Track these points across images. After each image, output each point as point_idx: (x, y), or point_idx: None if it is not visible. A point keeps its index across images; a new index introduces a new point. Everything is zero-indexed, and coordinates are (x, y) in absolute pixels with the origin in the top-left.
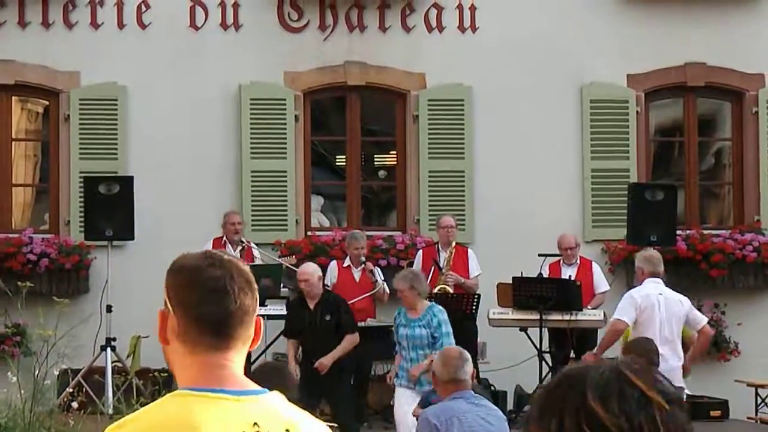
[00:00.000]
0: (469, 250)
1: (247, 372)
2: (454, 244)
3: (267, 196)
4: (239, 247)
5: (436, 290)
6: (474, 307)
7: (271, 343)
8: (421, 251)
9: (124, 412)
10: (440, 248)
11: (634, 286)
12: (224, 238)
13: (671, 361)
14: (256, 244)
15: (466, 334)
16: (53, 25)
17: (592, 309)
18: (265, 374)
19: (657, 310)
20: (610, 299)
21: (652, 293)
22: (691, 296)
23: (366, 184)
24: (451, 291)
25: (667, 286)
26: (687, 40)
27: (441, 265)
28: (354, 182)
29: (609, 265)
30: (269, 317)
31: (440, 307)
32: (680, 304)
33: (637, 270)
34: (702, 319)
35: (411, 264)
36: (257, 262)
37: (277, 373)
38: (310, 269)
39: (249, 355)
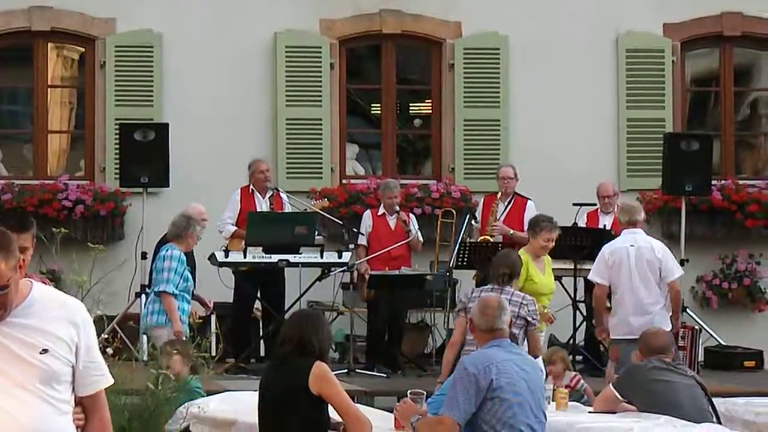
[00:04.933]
0: (529, 202)
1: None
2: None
3: (302, 143)
4: (269, 194)
5: (479, 240)
6: None
7: (306, 291)
8: (482, 200)
9: (158, 359)
10: (498, 198)
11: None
12: (251, 186)
13: (653, 307)
14: (290, 192)
15: None
16: None
17: None
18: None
19: (626, 261)
20: None
21: (621, 245)
22: (726, 246)
23: (401, 133)
24: (493, 241)
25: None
26: None
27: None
28: (389, 131)
29: (644, 215)
30: (303, 265)
31: (172, 252)
32: (653, 251)
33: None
34: (673, 272)
35: (468, 212)
36: (287, 208)
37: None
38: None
39: (283, 302)
